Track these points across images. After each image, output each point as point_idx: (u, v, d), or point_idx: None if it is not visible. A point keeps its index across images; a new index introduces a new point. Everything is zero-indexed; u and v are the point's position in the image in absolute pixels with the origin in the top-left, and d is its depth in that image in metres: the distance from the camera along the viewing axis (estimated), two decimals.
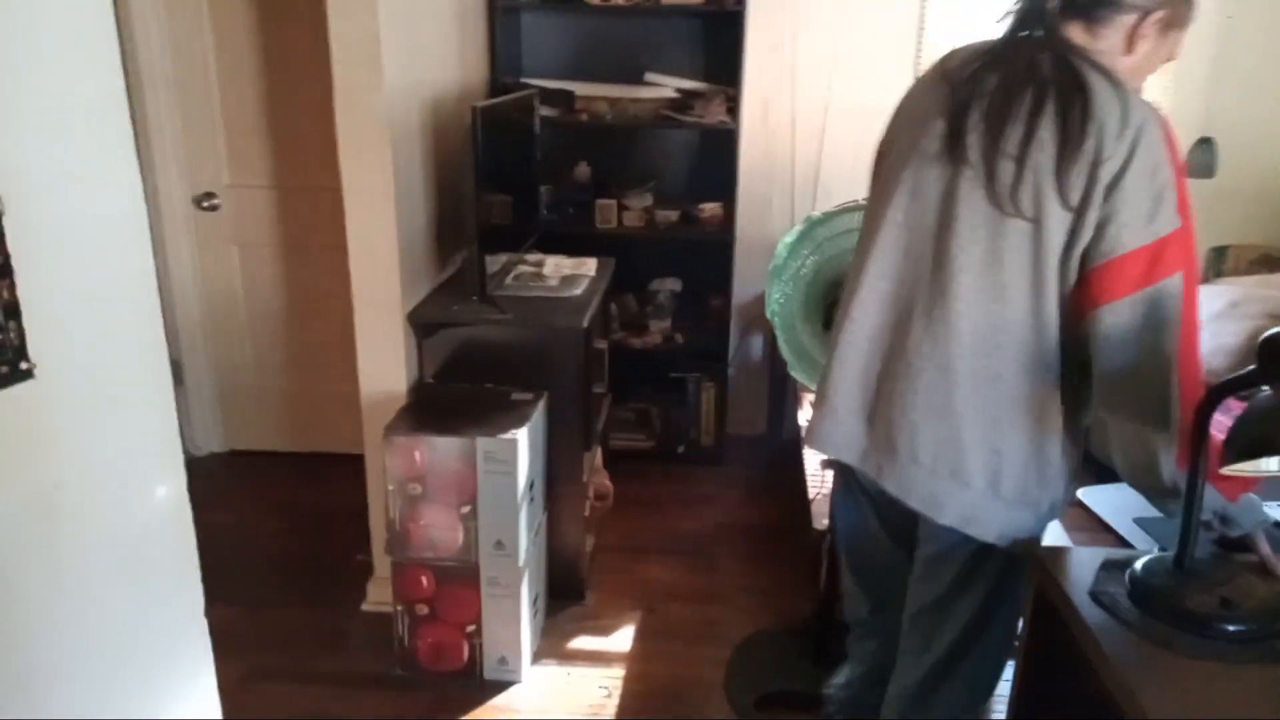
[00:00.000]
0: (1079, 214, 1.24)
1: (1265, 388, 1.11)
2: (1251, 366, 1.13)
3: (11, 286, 1.11)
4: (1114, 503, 1.91)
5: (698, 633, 2.56)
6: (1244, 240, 3.43)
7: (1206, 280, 3.45)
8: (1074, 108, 1.22)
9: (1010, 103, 1.27)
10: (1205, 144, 3.32)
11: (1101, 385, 1.31)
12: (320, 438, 3.48)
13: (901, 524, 1.58)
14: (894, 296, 1.43)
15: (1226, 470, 1.13)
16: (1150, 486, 1.33)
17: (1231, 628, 1.22)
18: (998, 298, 1.32)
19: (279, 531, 3.06)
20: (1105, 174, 1.21)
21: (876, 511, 1.64)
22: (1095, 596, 1.31)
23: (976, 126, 1.30)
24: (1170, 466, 1.28)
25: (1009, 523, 1.42)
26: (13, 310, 1.12)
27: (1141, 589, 1.30)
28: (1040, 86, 1.26)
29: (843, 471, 1.64)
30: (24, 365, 1.15)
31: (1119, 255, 1.23)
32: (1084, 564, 1.41)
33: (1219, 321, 3.14)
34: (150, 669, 1.51)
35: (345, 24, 2.24)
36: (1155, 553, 1.37)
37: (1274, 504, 1.80)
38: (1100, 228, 1.23)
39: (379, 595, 2.57)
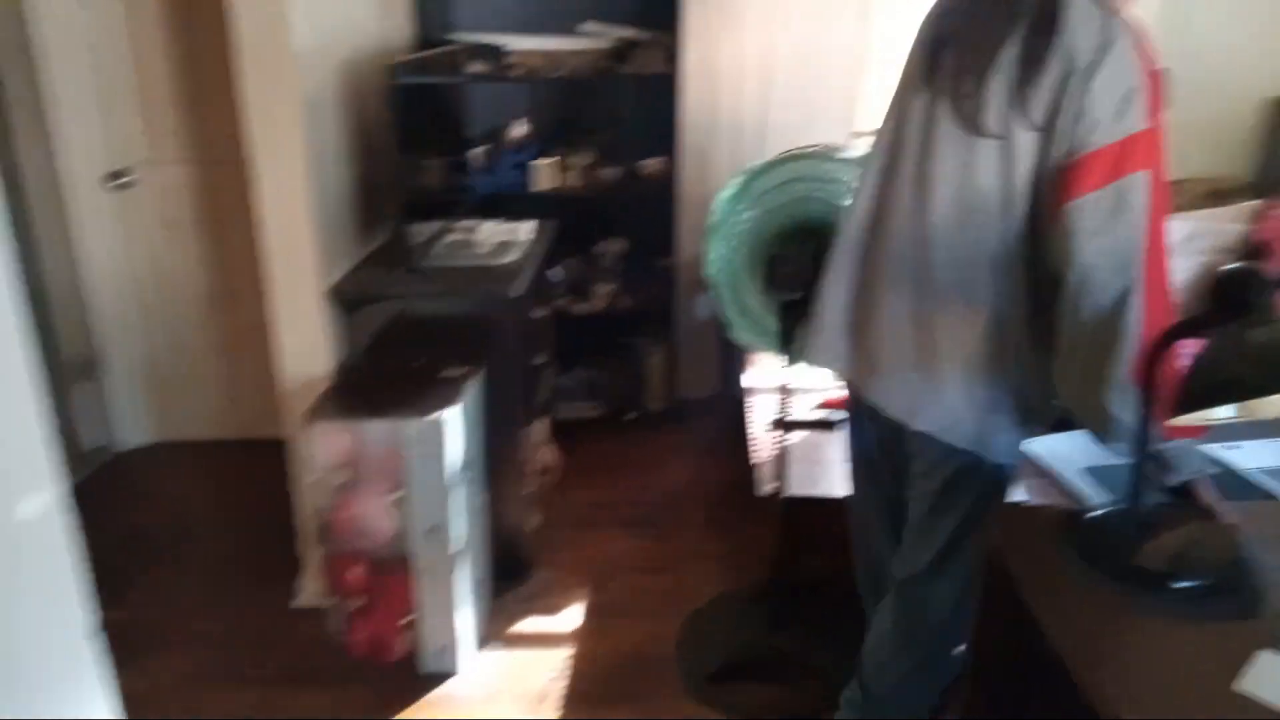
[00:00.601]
0: (1048, 132, 1.28)
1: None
2: (1208, 306, 1.04)
3: None
4: (1063, 452, 1.84)
5: (651, 605, 2.47)
6: (1195, 174, 3.35)
7: None
8: (1042, 32, 1.26)
9: (981, 28, 1.33)
10: None
11: (1066, 289, 1.30)
12: (254, 424, 3.32)
13: (897, 452, 1.63)
14: (878, 215, 1.51)
15: (1183, 421, 1.04)
16: (1096, 415, 1.27)
17: (1184, 584, 1.14)
18: (970, 214, 1.37)
19: (212, 524, 2.92)
20: (1076, 84, 1.24)
21: (878, 438, 1.69)
22: (1046, 555, 1.23)
23: (949, 52, 1.38)
24: (1119, 392, 1.22)
25: (984, 429, 1.45)
26: None
27: (1091, 546, 1.22)
28: (1013, 12, 1.30)
29: (853, 397, 1.71)
30: None
31: (1087, 152, 1.24)
32: (1034, 521, 1.33)
33: (1170, 258, 3.08)
34: (35, 696, 1.38)
35: None
36: (1104, 507, 1.29)
37: (1227, 445, 1.73)
38: (1070, 128, 1.26)
39: (311, 589, 2.45)
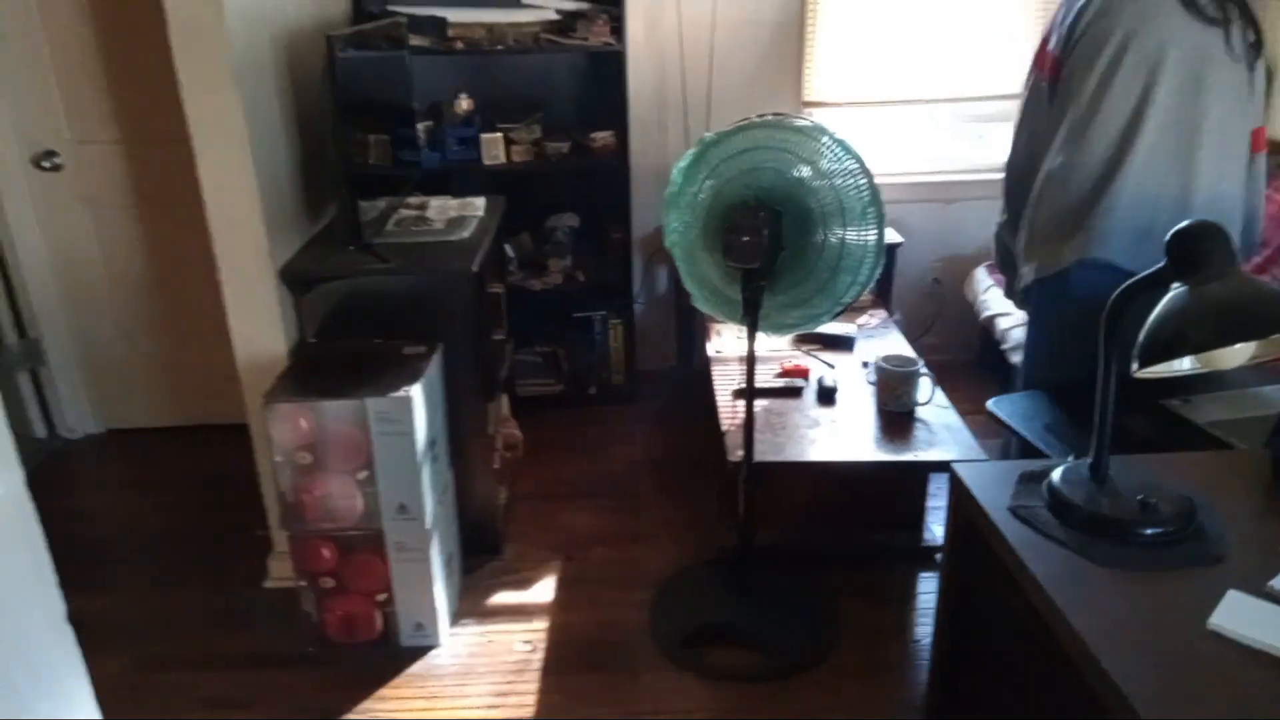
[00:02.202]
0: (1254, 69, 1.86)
1: (1176, 285, 1.06)
2: (1161, 264, 1.09)
3: None
4: (1024, 411, 1.90)
5: (621, 576, 2.50)
6: None
7: None
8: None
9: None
10: None
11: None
12: (204, 409, 3.26)
13: None
14: (1142, 133, 1.85)
15: (1141, 373, 1.08)
16: None
17: (1150, 531, 1.20)
18: (1233, 115, 1.85)
19: (169, 511, 2.86)
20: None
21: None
22: (1014, 511, 1.28)
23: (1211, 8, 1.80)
24: None
25: None
26: None
27: (1059, 499, 1.27)
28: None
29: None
30: None
31: (1262, 124, 1.90)
32: (1001, 478, 1.37)
33: None
34: (9, 687, 1.34)
35: None
36: (1071, 461, 1.35)
37: (1181, 400, 1.80)
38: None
39: (281, 571, 2.42)
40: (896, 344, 2.91)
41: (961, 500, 1.37)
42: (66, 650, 1.49)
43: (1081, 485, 1.28)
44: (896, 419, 2.44)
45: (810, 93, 3.49)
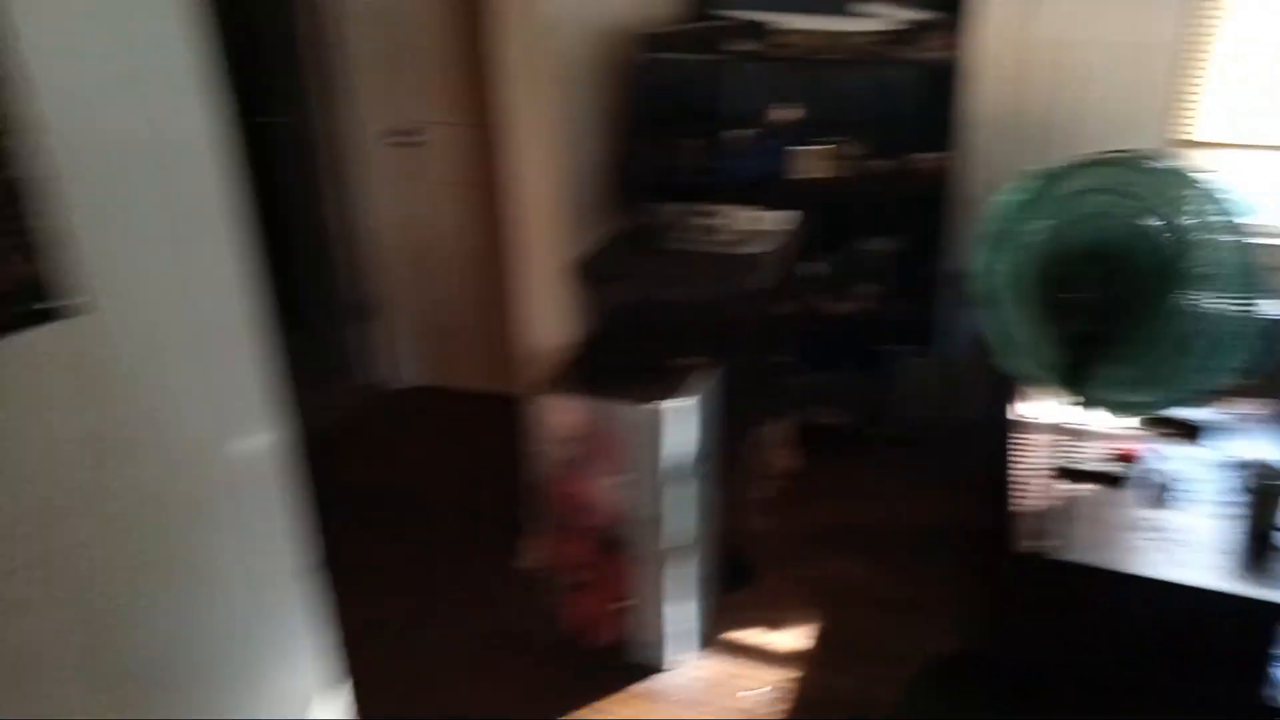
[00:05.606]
0: None
1: None
2: None
3: (43, 214, 1.01)
4: None
5: (878, 647, 2.24)
6: None
7: None
8: None
9: None
10: None
11: None
12: (511, 379, 3.39)
13: None
14: None
15: None
16: None
17: None
18: None
19: (453, 472, 3.01)
20: None
21: None
22: None
23: None
24: None
25: None
26: (51, 239, 1.02)
27: None
28: None
29: None
30: (73, 300, 1.07)
31: None
32: None
33: None
34: (251, 628, 1.43)
35: None
36: None
37: None
38: None
39: (535, 553, 2.45)
40: (1264, 444, 2.36)
41: None
42: (299, 600, 1.54)
43: None
44: (1258, 542, 1.95)
45: (1192, 129, 2.95)
